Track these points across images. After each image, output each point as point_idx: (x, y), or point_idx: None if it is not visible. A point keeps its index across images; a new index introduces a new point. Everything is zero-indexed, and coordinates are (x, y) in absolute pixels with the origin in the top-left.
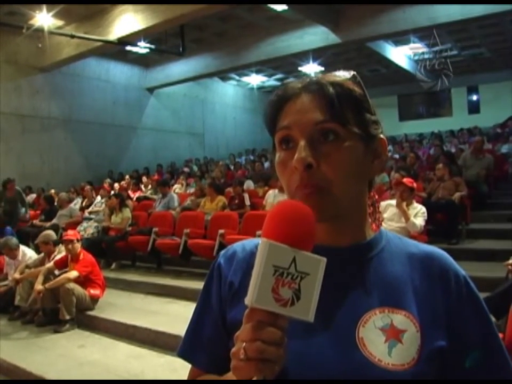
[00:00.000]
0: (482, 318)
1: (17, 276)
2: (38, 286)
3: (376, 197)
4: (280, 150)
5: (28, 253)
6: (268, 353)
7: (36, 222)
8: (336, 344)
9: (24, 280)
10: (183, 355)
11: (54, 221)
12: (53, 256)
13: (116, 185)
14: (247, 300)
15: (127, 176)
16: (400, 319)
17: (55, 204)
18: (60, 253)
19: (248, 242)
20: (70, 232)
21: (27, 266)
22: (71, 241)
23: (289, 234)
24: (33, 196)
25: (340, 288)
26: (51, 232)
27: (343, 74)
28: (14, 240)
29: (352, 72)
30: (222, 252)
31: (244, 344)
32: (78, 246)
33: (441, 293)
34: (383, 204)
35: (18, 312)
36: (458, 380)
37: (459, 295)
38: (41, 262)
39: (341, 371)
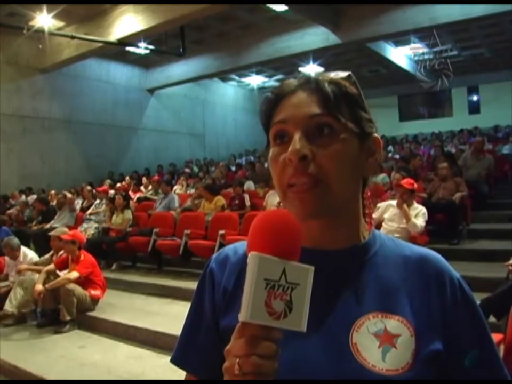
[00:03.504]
0: (476, 320)
1: (39, 287)
2: (39, 287)
3: (369, 195)
4: (274, 145)
5: (29, 254)
6: (264, 367)
7: (33, 225)
8: (329, 350)
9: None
10: (177, 362)
11: (55, 222)
12: (60, 253)
13: (118, 185)
14: (241, 316)
15: (127, 177)
16: (393, 324)
17: (51, 204)
18: None
19: (240, 245)
20: (70, 232)
21: (35, 264)
22: (66, 242)
23: (277, 246)
24: (34, 196)
25: (333, 293)
26: (66, 230)
27: (338, 74)
28: (16, 240)
29: (347, 72)
30: (214, 256)
31: (238, 359)
32: (73, 248)
33: (436, 296)
34: (383, 204)
35: None
36: (457, 380)
37: (454, 298)
38: (49, 261)
39: (334, 377)
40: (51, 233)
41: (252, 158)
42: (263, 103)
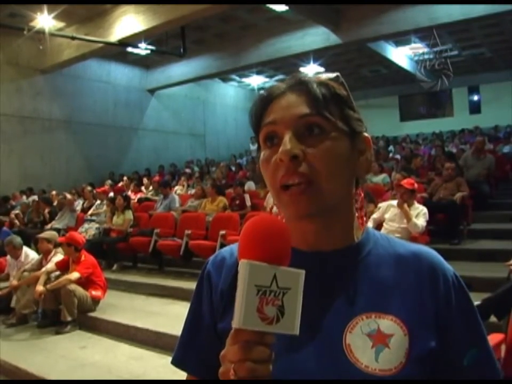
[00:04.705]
0: (471, 317)
1: (14, 282)
2: (40, 288)
3: (362, 195)
4: (265, 148)
5: (30, 255)
6: (258, 371)
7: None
8: (322, 351)
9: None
10: (178, 364)
11: (56, 222)
12: (49, 257)
13: (120, 184)
14: (234, 323)
15: (125, 178)
16: (387, 324)
17: (54, 204)
18: (56, 255)
19: (236, 247)
20: (72, 233)
21: (24, 271)
22: (62, 244)
23: (267, 252)
24: (35, 197)
25: (326, 294)
26: (56, 234)
27: (327, 75)
28: (19, 239)
29: (335, 73)
30: (211, 258)
31: (233, 365)
32: (69, 249)
33: (430, 293)
34: (384, 204)
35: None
36: (453, 380)
37: (447, 294)
38: (38, 266)
39: (327, 378)
40: (39, 235)
41: (253, 158)
42: (253, 106)
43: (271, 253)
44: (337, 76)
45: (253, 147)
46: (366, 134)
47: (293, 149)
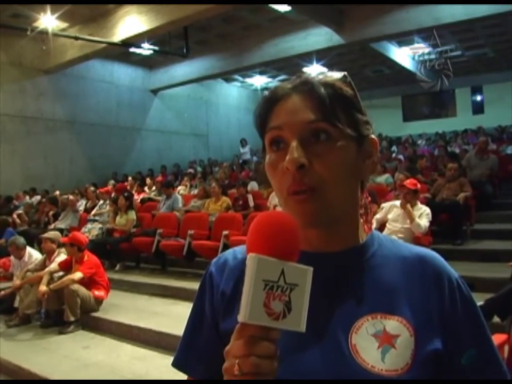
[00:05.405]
0: (475, 318)
1: (17, 282)
2: (43, 288)
3: (369, 199)
4: (271, 151)
5: (34, 255)
6: (263, 367)
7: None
8: (328, 352)
9: (25, 286)
10: (178, 366)
11: (59, 223)
12: (53, 257)
13: (125, 184)
14: (240, 317)
15: (130, 178)
16: (393, 324)
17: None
18: (59, 255)
19: (240, 250)
20: (74, 234)
21: (28, 271)
22: (64, 244)
23: (275, 247)
24: (38, 197)
25: (331, 295)
26: (59, 234)
27: (333, 75)
28: (22, 240)
29: (342, 73)
30: (214, 260)
31: (237, 360)
32: (72, 250)
33: (435, 296)
34: (387, 204)
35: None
36: (455, 380)
37: (452, 297)
38: (41, 266)
39: (333, 378)
40: (42, 235)
41: (256, 159)
42: (257, 107)
43: (279, 248)
44: (344, 75)
45: (243, 150)
46: (373, 136)
47: (299, 158)
